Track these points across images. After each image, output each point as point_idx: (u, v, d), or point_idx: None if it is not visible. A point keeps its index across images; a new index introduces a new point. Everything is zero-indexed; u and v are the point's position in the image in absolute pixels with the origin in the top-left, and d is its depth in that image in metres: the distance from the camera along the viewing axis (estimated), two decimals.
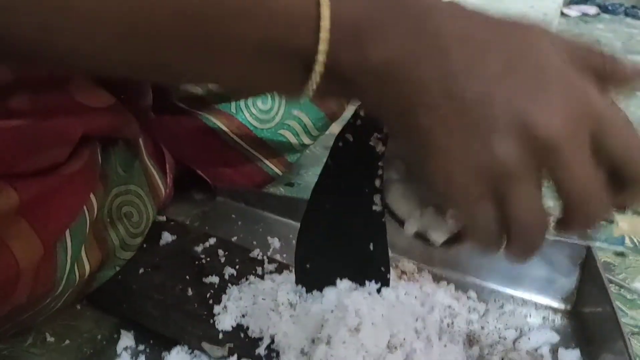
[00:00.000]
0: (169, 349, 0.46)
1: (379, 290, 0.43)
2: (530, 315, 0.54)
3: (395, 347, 0.40)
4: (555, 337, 0.50)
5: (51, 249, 0.39)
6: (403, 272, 0.56)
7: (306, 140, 0.67)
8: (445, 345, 0.42)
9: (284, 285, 0.44)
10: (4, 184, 0.35)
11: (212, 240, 0.53)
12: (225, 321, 0.44)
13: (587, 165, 0.29)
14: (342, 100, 0.65)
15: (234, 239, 0.58)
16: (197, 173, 0.65)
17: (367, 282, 0.43)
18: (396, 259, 0.57)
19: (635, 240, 0.67)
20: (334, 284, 0.43)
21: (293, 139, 0.66)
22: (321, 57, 0.29)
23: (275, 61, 0.30)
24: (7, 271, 0.36)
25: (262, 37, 0.29)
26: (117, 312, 0.49)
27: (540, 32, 0.31)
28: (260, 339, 0.43)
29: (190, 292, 0.47)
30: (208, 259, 0.51)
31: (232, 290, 0.47)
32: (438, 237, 0.37)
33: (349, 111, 0.48)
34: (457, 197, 0.30)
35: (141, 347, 0.46)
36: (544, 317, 0.53)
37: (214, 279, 0.48)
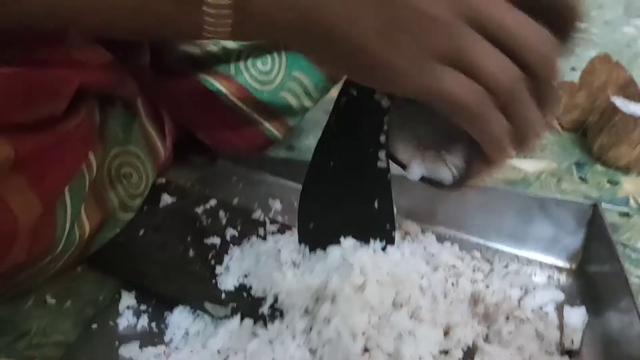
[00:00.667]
0: (171, 309, 0.45)
1: (383, 249, 0.42)
2: (535, 275, 0.53)
3: (401, 305, 0.40)
4: (560, 296, 0.49)
5: (50, 207, 0.38)
6: (407, 233, 0.56)
7: (307, 102, 0.66)
8: (450, 303, 0.42)
9: (287, 245, 0.44)
10: None
11: (213, 202, 0.52)
12: (227, 281, 0.43)
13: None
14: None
15: (235, 201, 0.57)
16: (197, 137, 0.64)
17: (371, 241, 0.42)
18: (400, 220, 0.57)
19: None
20: (337, 242, 0.42)
21: (294, 101, 0.65)
22: None
23: None
24: (5, 227, 0.35)
25: None
26: (118, 274, 0.48)
27: None
28: (264, 298, 0.42)
29: (191, 253, 0.46)
30: (209, 220, 0.50)
31: (234, 251, 0.46)
32: (446, 175, 0.36)
33: None
34: (437, 89, 0.32)
35: (143, 307, 0.46)
36: (549, 276, 0.53)
37: (216, 240, 0.47)
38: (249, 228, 0.50)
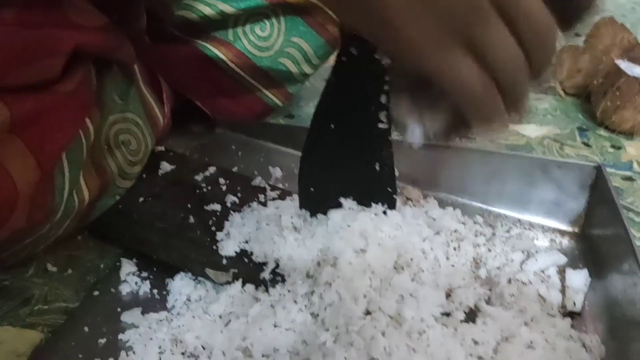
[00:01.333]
0: (172, 276, 0.45)
1: (385, 212, 0.42)
2: (537, 238, 0.53)
3: (402, 268, 0.39)
4: (562, 259, 0.49)
5: (49, 171, 0.38)
6: (408, 199, 0.55)
7: (307, 69, 0.65)
8: (452, 265, 0.41)
9: (288, 210, 0.43)
10: None
11: (212, 169, 0.52)
12: (228, 247, 0.43)
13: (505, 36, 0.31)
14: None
15: (235, 169, 0.57)
16: (196, 105, 0.63)
17: (373, 204, 0.42)
18: (401, 187, 0.56)
19: None
20: (339, 206, 0.42)
21: (293, 68, 0.64)
22: None
23: None
24: (5, 192, 0.35)
25: None
26: (119, 242, 0.48)
27: None
28: (265, 263, 0.42)
29: (192, 220, 0.46)
30: (209, 188, 0.50)
31: (235, 217, 0.46)
32: (433, 126, 0.36)
33: None
34: (440, 67, 0.31)
35: (144, 274, 0.46)
36: (551, 240, 0.53)
37: (216, 207, 0.47)
38: (250, 194, 0.49)
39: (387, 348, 0.35)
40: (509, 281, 0.45)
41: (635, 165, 0.66)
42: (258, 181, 0.51)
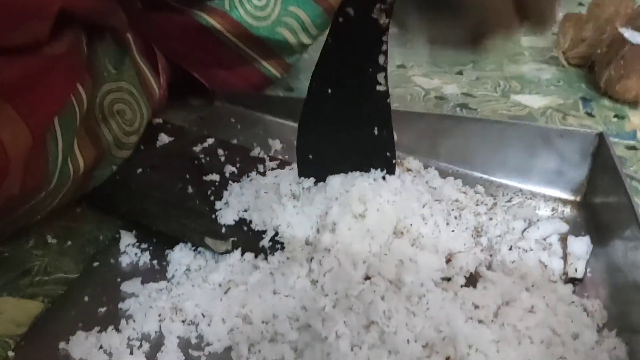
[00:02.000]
0: (171, 246, 0.45)
1: (384, 178, 0.41)
2: (539, 208, 0.53)
3: (402, 233, 0.39)
4: (564, 227, 0.49)
5: (40, 138, 0.37)
6: (408, 170, 0.55)
7: (305, 39, 0.64)
8: (452, 231, 0.41)
9: (287, 178, 0.43)
10: None
11: (211, 141, 0.51)
12: (227, 216, 0.43)
13: None
14: None
15: (234, 142, 0.56)
16: (194, 78, 0.62)
17: (372, 170, 0.41)
18: (401, 157, 0.56)
19: None
20: (337, 173, 0.41)
21: (291, 38, 0.63)
22: None
23: None
24: None
25: None
26: (118, 214, 0.48)
27: None
28: (264, 231, 0.42)
29: (190, 190, 0.46)
30: (207, 159, 0.50)
31: (234, 187, 0.45)
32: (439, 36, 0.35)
33: None
34: None
35: (144, 246, 0.46)
36: (553, 209, 0.52)
37: (215, 177, 0.47)
38: (248, 165, 0.49)
39: (387, 312, 0.35)
40: (510, 248, 0.45)
41: (639, 134, 0.65)
42: (257, 152, 0.51)
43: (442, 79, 0.76)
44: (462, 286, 0.39)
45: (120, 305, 0.40)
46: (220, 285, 0.41)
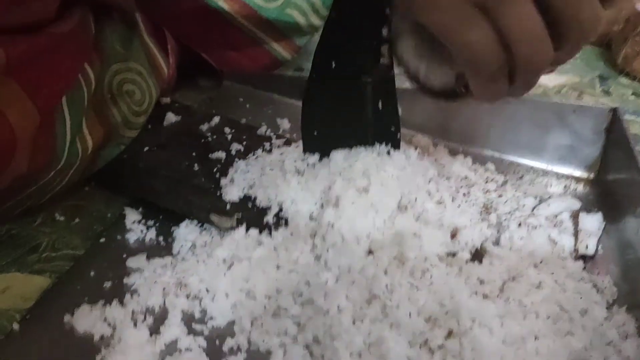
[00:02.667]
0: (178, 223, 0.45)
1: (389, 153, 0.41)
2: (551, 185, 0.52)
3: (406, 207, 0.39)
4: (576, 204, 0.48)
5: (48, 117, 0.38)
6: (417, 147, 0.54)
7: (315, 20, 0.64)
8: (458, 206, 0.41)
9: (291, 155, 0.43)
10: None
11: (217, 119, 0.51)
12: (232, 192, 0.43)
13: (526, 4, 0.29)
14: None
15: (243, 121, 0.56)
16: (203, 60, 0.62)
17: (377, 144, 0.41)
18: (410, 134, 0.55)
19: None
20: (342, 148, 0.41)
21: (301, 19, 0.63)
22: None
23: None
24: (2, 137, 0.35)
25: None
26: (125, 192, 0.48)
27: None
28: (268, 208, 0.42)
29: (196, 167, 0.46)
30: (214, 137, 0.49)
31: (239, 164, 0.45)
32: (436, 83, 0.35)
33: None
34: (450, 25, 0.30)
35: (150, 223, 0.46)
36: (565, 186, 0.52)
37: (221, 155, 0.47)
38: (255, 143, 0.49)
39: (389, 286, 0.35)
40: (519, 225, 0.44)
41: None
42: (264, 130, 0.51)
43: None
44: (467, 261, 0.38)
45: (125, 280, 0.40)
46: (224, 260, 0.40)
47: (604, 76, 0.71)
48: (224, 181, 0.44)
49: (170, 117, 0.52)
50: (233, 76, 0.62)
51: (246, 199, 0.43)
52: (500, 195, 0.48)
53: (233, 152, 0.47)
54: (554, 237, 0.44)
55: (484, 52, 0.30)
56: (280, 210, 0.41)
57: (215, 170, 0.45)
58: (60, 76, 0.38)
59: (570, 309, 0.37)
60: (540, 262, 0.41)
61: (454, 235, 0.39)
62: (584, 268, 0.42)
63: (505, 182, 0.50)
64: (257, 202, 0.42)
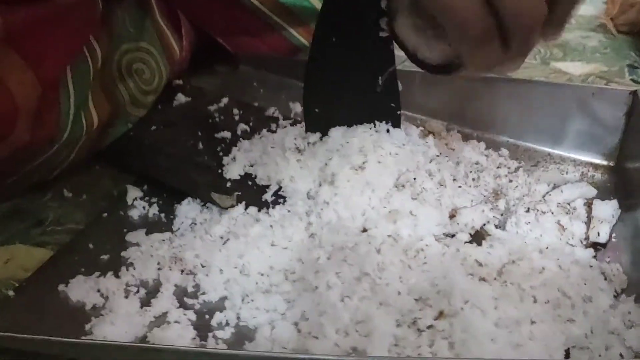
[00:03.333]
0: (180, 201, 0.45)
1: (388, 131, 0.40)
2: (567, 172, 0.50)
3: (403, 186, 0.38)
4: (592, 191, 0.46)
5: (50, 88, 0.38)
6: (430, 132, 0.53)
7: None
8: (459, 187, 0.39)
9: (292, 132, 0.42)
10: None
11: (226, 100, 0.51)
12: (233, 170, 0.43)
13: None
14: None
15: (255, 104, 0.56)
16: (219, 45, 0.62)
17: (377, 122, 0.40)
18: (423, 120, 0.54)
19: None
20: (343, 125, 0.40)
21: (318, 5, 0.62)
22: None
23: None
24: (3, 105, 0.36)
25: None
26: (131, 170, 0.49)
27: None
28: (268, 186, 0.41)
29: (200, 146, 0.46)
30: (222, 117, 0.50)
31: (243, 143, 0.45)
32: (433, 57, 0.33)
33: None
34: None
35: (154, 200, 0.46)
36: (582, 173, 0.49)
37: (226, 134, 0.47)
38: (261, 123, 0.48)
39: (381, 264, 0.34)
40: (528, 210, 0.43)
41: None
42: (272, 111, 0.50)
43: None
44: (466, 243, 0.37)
45: (122, 253, 0.40)
46: (221, 237, 0.40)
47: (634, 65, 0.68)
48: (226, 159, 0.44)
49: (181, 98, 0.52)
50: (249, 61, 0.62)
51: (246, 177, 0.43)
52: (510, 181, 0.46)
53: (239, 132, 0.47)
54: (564, 223, 0.42)
55: (467, 13, 0.29)
56: (280, 188, 0.41)
57: (219, 149, 0.45)
58: (62, 48, 0.39)
59: (573, 295, 0.35)
60: (547, 248, 0.39)
61: (452, 216, 0.38)
62: (595, 256, 0.40)
63: (518, 168, 0.49)
64: (257, 180, 0.42)
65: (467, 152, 0.48)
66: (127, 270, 0.39)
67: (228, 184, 0.43)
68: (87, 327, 0.35)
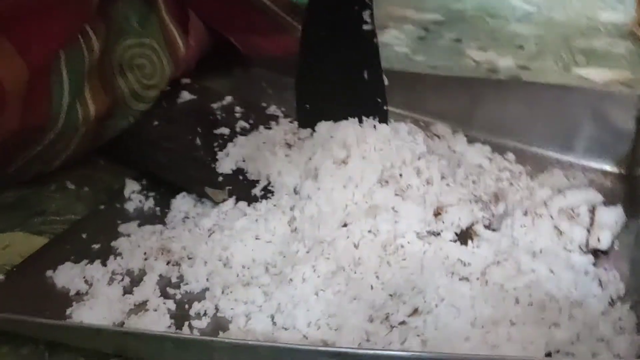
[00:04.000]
0: (176, 196, 0.46)
1: (375, 126, 0.39)
2: (574, 178, 0.48)
3: (387, 182, 0.37)
4: (597, 197, 0.44)
5: (40, 74, 0.39)
6: (435, 135, 0.52)
7: None
8: (447, 185, 0.38)
9: (283, 127, 0.42)
10: None
11: (230, 98, 0.52)
12: (225, 165, 0.43)
13: None
14: None
15: (263, 104, 0.56)
16: (231, 47, 0.63)
17: (364, 118, 0.40)
18: (429, 122, 0.53)
19: None
20: (333, 120, 0.40)
21: None
22: None
23: None
24: None
25: None
26: (131, 164, 0.49)
27: None
28: (258, 181, 0.41)
29: (198, 142, 0.46)
30: (223, 115, 0.50)
31: (239, 139, 0.45)
32: None
33: None
34: None
35: (152, 194, 0.47)
36: (590, 180, 0.47)
37: (224, 131, 0.47)
38: (261, 121, 0.49)
39: (358, 259, 0.33)
40: (525, 213, 0.41)
41: None
42: (273, 110, 0.51)
43: (499, 52, 0.72)
44: (450, 241, 0.36)
45: (112, 243, 0.41)
46: (209, 230, 0.40)
47: None
48: (220, 154, 0.44)
49: (185, 95, 0.53)
50: (260, 62, 0.63)
51: (238, 171, 0.43)
52: (511, 184, 0.45)
53: (237, 129, 0.48)
54: (562, 228, 0.40)
55: None
56: (269, 183, 0.41)
57: (215, 145, 0.46)
58: (52, 34, 0.39)
59: (561, 299, 0.34)
60: (540, 251, 0.38)
61: (437, 213, 0.37)
62: (594, 263, 0.38)
63: (521, 173, 0.47)
64: (248, 175, 0.42)
65: (469, 156, 0.47)
66: (115, 259, 0.39)
67: (220, 179, 0.43)
68: (68, 311, 0.35)
